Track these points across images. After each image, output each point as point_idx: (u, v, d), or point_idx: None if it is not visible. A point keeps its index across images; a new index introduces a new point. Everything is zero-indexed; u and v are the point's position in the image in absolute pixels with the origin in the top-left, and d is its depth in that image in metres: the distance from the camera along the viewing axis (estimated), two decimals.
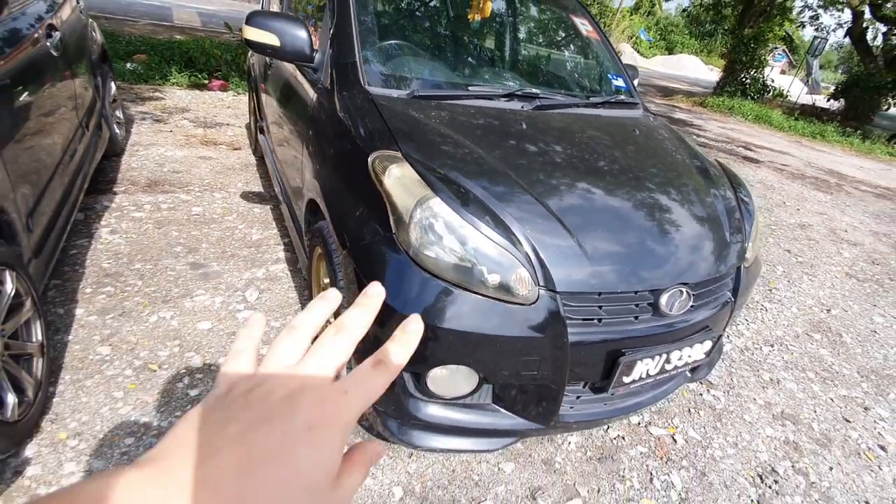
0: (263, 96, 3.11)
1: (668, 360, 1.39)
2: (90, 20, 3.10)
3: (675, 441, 1.81)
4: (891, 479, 1.84)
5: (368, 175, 1.35)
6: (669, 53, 36.71)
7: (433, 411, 1.33)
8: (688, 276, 1.38)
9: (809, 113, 14.06)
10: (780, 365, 2.41)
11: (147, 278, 2.16)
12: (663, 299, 1.33)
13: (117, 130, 3.26)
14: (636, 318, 1.33)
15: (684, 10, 20.65)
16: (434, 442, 1.36)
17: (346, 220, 1.42)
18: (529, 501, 1.48)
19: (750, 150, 8.13)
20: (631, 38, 32.83)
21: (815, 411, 2.12)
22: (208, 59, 6.19)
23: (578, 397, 1.41)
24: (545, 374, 1.27)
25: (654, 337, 1.34)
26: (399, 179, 1.28)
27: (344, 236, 1.40)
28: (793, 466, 1.80)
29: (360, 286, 1.30)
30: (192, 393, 1.63)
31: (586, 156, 1.61)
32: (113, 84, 3.34)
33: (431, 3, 2.38)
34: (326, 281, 1.64)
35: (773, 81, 14.80)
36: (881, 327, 3.00)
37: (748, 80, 13.83)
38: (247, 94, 5.27)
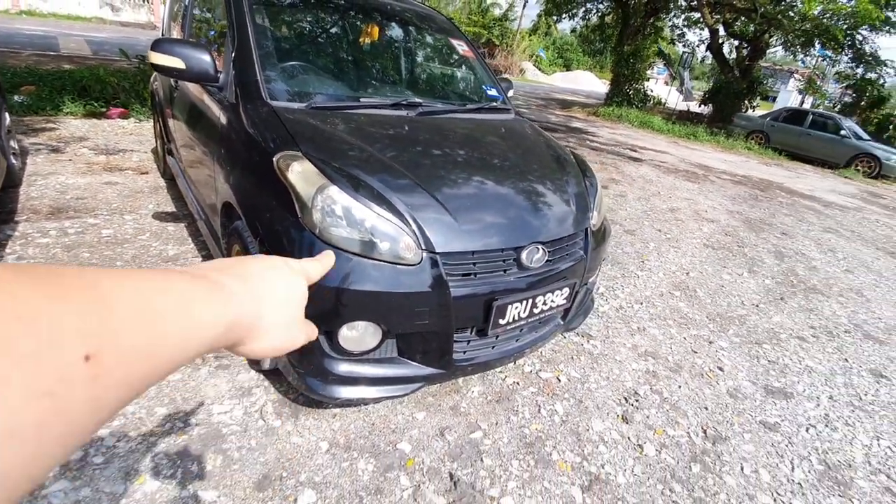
0: (170, 119, 3.20)
1: (534, 304, 1.75)
2: None
3: (559, 381, 2.19)
4: (725, 391, 2.34)
5: (274, 173, 1.60)
6: (567, 70, 39.82)
7: (347, 367, 1.58)
8: (542, 236, 1.76)
9: (685, 117, 16.03)
10: (646, 317, 2.91)
11: None
12: (524, 255, 1.69)
13: (14, 161, 3.18)
14: (504, 271, 1.67)
15: (573, 31, 22.61)
16: (351, 393, 1.60)
17: (259, 214, 1.64)
18: (439, 438, 1.76)
19: (635, 150, 9.20)
20: (532, 56, 35.24)
21: (671, 348, 2.62)
22: (104, 87, 5.99)
23: (468, 342, 1.73)
24: (435, 322, 1.57)
25: (519, 285, 1.69)
26: (301, 174, 1.54)
27: (257, 227, 1.62)
28: (651, 388, 2.25)
29: None
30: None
31: (459, 148, 1.97)
32: (7, 115, 3.26)
33: (326, 28, 2.67)
34: None
35: (652, 91, 16.70)
36: (727, 283, 3.67)
37: (631, 92, 15.51)
38: (150, 119, 5.21)
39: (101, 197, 3.34)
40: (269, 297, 0.38)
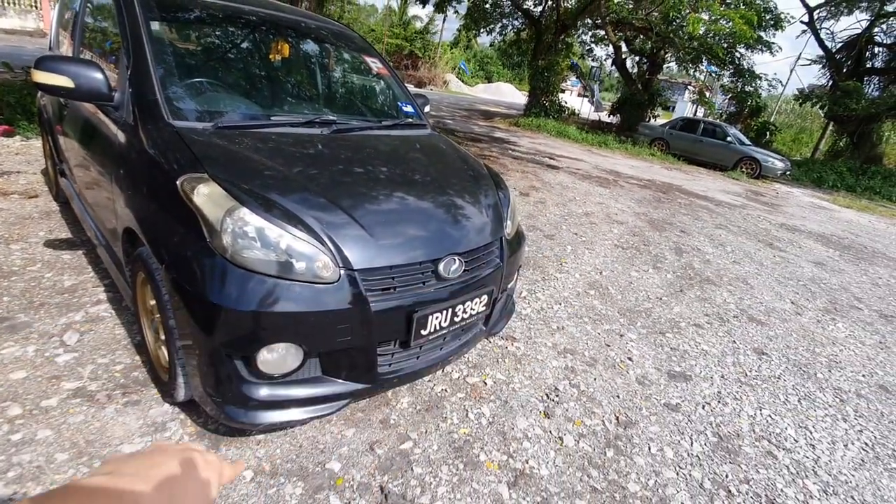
0: (61, 138, 2.95)
1: (455, 313, 1.83)
2: None
3: (486, 384, 2.28)
4: (634, 378, 2.55)
5: (179, 197, 1.54)
6: (489, 82, 41.24)
7: (268, 391, 1.55)
8: (458, 247, 1.84)
9: (597, 127, 17.21)
10: (565, 316, 3.10)
11: None
12: (441, 266, 1.76)
13: None
14: (423, 283, 1.73)
15: (492, 45, 23.52)
16: (274, 417, 1.58)
17: (164, 240, 1.57)
18: (369, 453, 1.77)
19: (553, 158, 9.73)
20: (454, 69, 36.11)
21: (587, 343, 2.81)
22: None
23: (393, 354, 1.76)
24: (357, 338, 1.59)
25: (439, 296, 1.76)
26: (208, 196, 1.50)
27: (162, 254, 1.55)
28: (570, 383, 2.40)
29: (183, 295, 1.48)
30: (15, 437, 1.58)
31: (374, 165, 2.01)
32: None
33: (234, 44, 2.60)
34: (153, 303, 1.75)
35: (566, 103, 17.77)
36: (635, 279, 4.00)
37: (548, 103, 16.40)
38: (40, 137, 4.74)
39: None
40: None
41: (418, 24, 33.16)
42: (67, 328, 2.16)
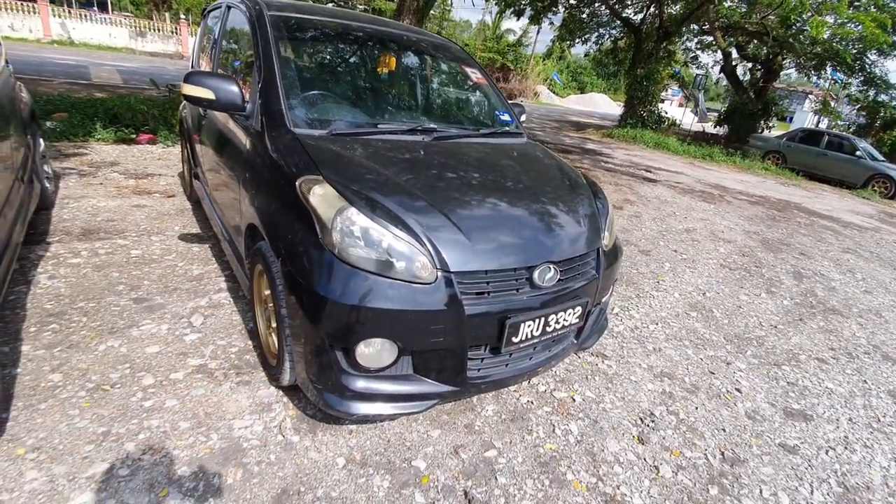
0: (197, 145, 3.36)
1: (547, 323, 1.78)
2: (18, 82, 3.24)
3: (574, 400, 2.19)
4: (743, 412, 2.31)
5: (297, 196, 1.68)
6: (582, 92, 40.22)
7: (363, 383, 1.62)
8: (554, 255, 1.80)
9: (700, 138, 16.01)
10: (662, 337, 2.90)
11: (91, 315, 2.29)
12: (536, 274, 1.73)
13: (47, 184, 3.35)
14: (517, 290, 1.71)
15: (586, 55, 22.94)
16: (367, 409, 1.64)
17: (282, 235, 1.72)
18: (453, 456, 1.78)
19: (650, 171, 9.21)
20: (546, 80, 35.73)
21: (687, 369, 2.60)
22: (134, 114, 6.28)
23: (482, 360, 1.76)
24: (450, 340, 1.61)
25: (532, 304, 1.73)
26: (322, 196, 1.62)
27: (280, 248, 1.70)
28: (667, 409, 2.23)
29: (296, 288, 1.60)
30: (147, 404, 1.80)
31: (473, 172, 2.03)
32: (41, 140, 3.45)
33: (346, 59, 2.80)
34: (267, 293, 1.91)
35: (666, 113, 16.77)
36: (745, 303, 3.63)
37: (645, 114, 15.59)
38: (178, 145, 5.43)
39: (130, 219, 3.48)
40: None
41: (511, 38, 33.31)
42: (194, 311, 2.43)
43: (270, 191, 1.87)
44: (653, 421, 2.14)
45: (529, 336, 1.75)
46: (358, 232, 1.54)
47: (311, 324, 1.56)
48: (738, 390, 2.48)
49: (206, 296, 2.60)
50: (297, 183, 1.69)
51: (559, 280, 1.81)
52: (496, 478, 1.71)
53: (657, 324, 3.07)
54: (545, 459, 1.83)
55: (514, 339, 1.71)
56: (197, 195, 3.52)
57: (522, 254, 1.73)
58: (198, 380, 1.97)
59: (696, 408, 2.28)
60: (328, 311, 1.51)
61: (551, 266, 1.77)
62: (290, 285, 1.62)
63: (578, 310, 1.89)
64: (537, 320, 1.74)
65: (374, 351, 1.59)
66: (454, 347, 1.63)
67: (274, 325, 1.84)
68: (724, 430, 2.16)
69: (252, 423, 1.78)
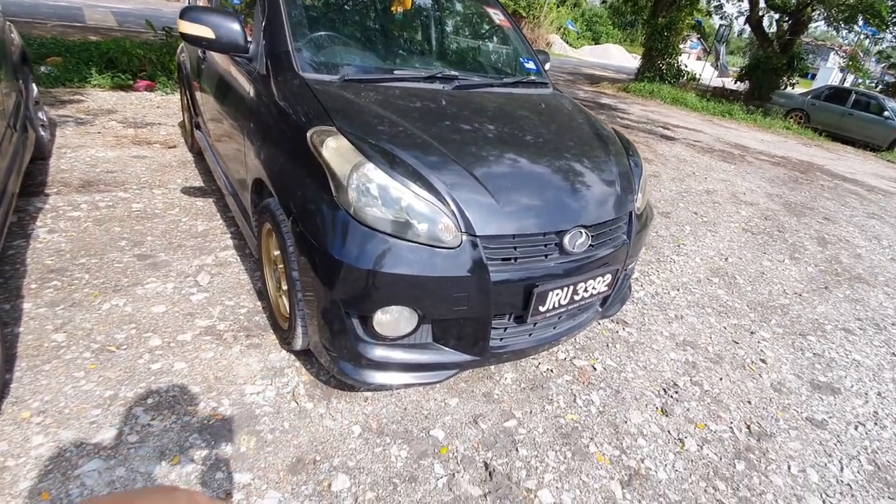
0: (197, 93, 3.16)
1: (575, 291, 1.67)
2: (7, 22, 3.01)
3: (594, 369, 2.11)
4: (769, 384, 2.24)
5: (308, 149, 1.53)
6: (596, 43, 38.45)
7: (381, 352, 1.53)
8: (585, 219, 1.66)
9: (720, 94, 15.35)
10: (684, 304, 2.80)
11: (94, 271, 2.20)
12: (566, 239, 1.60)
13: (42, 133, 3.19)
14: (545, 256, 1.59)
15: (604, 2, 21.73)
16: (384, 378, 1.56)
17: (292, 192, 1.58)
18: (472, 426, 1.72)
19: (667, 129, 8.85)
20: (559, 29, 34.07)
21: (710, 338, 2.51)
22: (131, 59, 5.97)
23: (505, 329, 1.66)
24: (473, 308, 1.50)
25: (561, 271, 1.61)
26: (336, 150, 1.47)
27: (290, 206, 1.56)
28: (690, 380, 2.16)
29: (308, 250, 1.48)
30: (154, 367, 1.73)
31: (498, 125, 1.86)
32: (34, 86, 3.25)
33: None
34: (276, 253, 1.80)
35: (686, 66, 15.99)
36: (768, 269, 3.51)
37: (664, 66, 14.88)
38: (177, 92, 5.19)
39: (130, 171, 3.34)
40: None
41: None
42: (200, 270, 2.33)
43: (278, 142, 1.71)
44: (676, 392, 2.06)
45: (557, 305, 1.64)
46: (375, 190, 1.40)
47: (325, 288, 1.45)
48: (762, 361, 2.40)
49: (211, 253, 2.50)
50: (308, 134, 1.54)
51: (590, 246, 1.68)
52: (517, 449, 1.65)
53: (678, 290, 2.96)
54: (567, 430, 1.77)
55: (541, 309, 1.60)
56: (199, 146, 3.35)
57: (552, 216, 1.59)
58: (206, 342, 1.89)
59: (721, 379, 2.21)
60: (343, 276, 1.39)
61: (582, 231, 1.64)
62: (302, 247, 1.50)
63: (608, 277, 1.77)
64: (566, 289, 1.62)
65: (393, 319, 1.49)
66: (477, 316, 1.53)
67: (285, 287, 1.74)
68: (749, 402, 2.09)
69: (264, 388, 1.71)
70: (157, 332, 1.90)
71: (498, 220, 1.49)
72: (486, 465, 1.57)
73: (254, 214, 2.00)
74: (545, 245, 1.58)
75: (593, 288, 1.73)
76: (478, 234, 1.45)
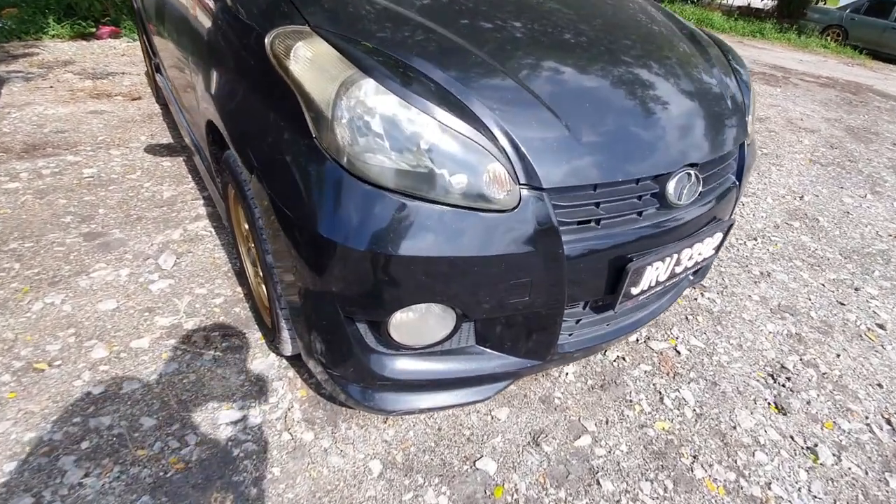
0: (150, 26, 2.55)
1: (678, 262, 1.15)
2: None
3: (678, 353, 1.63)
4: None
5: (269, 66, 0.97)
6: None
7: (403, 366, 1.05)
8: (694, 155, 1.11)
9: (747, 13, 13.98)
10: (766, 258, 2.27)
11: (27, 259, 1.72)
12: (670, 186, 1.06)
13: None
14: (640, 213, 1.06)
15: None
16: (410, 403, 1.09)
17: (251, 136, 1.04)
18: (533, 449, 1.26)
19: None
20: None
21: (809, 299, 2.00)
22: (92, 3, 5.25)
23: (578, 321, 1.16)
24: (538, 298, 0.99)
25: (662, 235, 1.08)
26: (311, 61, 0.91)
27: (251, 157, 1.03)
28: (801, 360, 1.67)
29: (282, 222, 0.96)
30: (96, 391, 1.27)
31: (561, 22, 1.27)
32: None
33: None
34: (248, 227, 1.28)
35: None
36: (852, 208, 2.93)
37: None
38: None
39: (84, 129, 2.79)
40: None
41: None
42: (164, 248, 1.84)
43: (229, 64, 1.16)
44: (788, 378, 1.58)
45: (654, 283, 1.13)
46: (379, 124, 0.86)
47: (312, 281, 0.94)
48: (880, 327, 1.89)
49: (179, 226, 1.99)
50: (266, 41, 0.98)
51: (699, 194, 1.14)
52: (598, 482, 1.20)
53: (756, 239, 2.42)
54: (659, 447, 1.30)
55: (633, 291, 1.09)
56: (164, 95, 2.77)
57: (649, 154, 1.05)
58: (169, 348, 1.42)
59: (837, 355, 1.71)
60: (336, 263, 0.88)
61: (691, 172, 1.10)
62: (273, 219, 0.98)
63: (718, 237, 1.24)
64: (667, 259, 1.11)
65: (417, 321, 0.99)
66: (545, 309, 1.03)
67: (262, 273, 1.24)
68: (880, 385, 1.61)
69: (245, 414, 1.25)
70: (102, 339, 1.43)
71: (572, 162, 0.95)
72: None
73: (217, 174, 1.48)
74: (639, 198, 1.05)
75: (699, 254, 1.21)
76: (545, 185, 0.92)
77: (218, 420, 1.22)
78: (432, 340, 1.03)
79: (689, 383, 1.51)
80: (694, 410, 1.42)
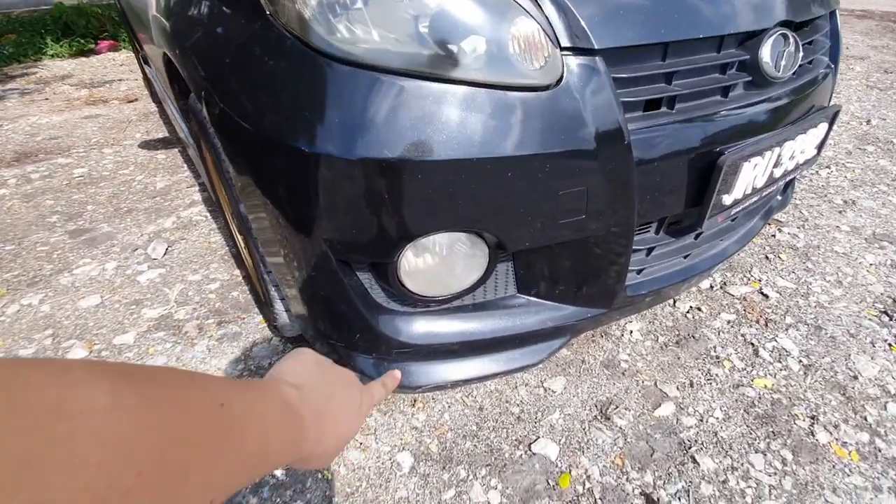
0: (128, 16, 2.38)
1: (778, 160, 0.86)
2: None
3: (765, 297, 1.33)
4: None
5: None
6: None
7: (425, 327, 0.80)
8: (787, 11, 0.82)
9: None
10: (846, 185, 1.93)
11: (6, 262, 1.55)
12: (764, 52, 0.78)
13: None
14: (726, 92, 0.78)
15: None
16: (439, 375, 0.84)
17: (197, 45, 0.81)
18: (603, 425, 0.99)
19: None
20: None
21: None
22: (89, 20, 5.21)
23: (650, 251, 0.89)
24: (599, 216, 0.73)
25: (757, 122, 0.80)
26: None
27: (197, 69, 0.80)
28: None
29: (240, 143, 0.72)
30: None
31: None
32: None
33: None
34: (218, 177, 1.06)
35: None
36: None
37: None
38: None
39: (78, 133, 2.64)
40: (330, 427, 0.36)
41: None
42: (155, 237, 1.64)
43: None
44: None
45: (750, 191, 0.85)
46: None
47: (288, 218, 0.70)
48: None
49: (172, 214, 1.80)
50: None
51: (799, 65, 0.85)
52: (694, 459, 0.92)
53: (829, 168, 2.07)
54: (765, 409, 1.02)
55: (726, 200, 0.81)
56: (156, 89, 2.60)
57: (731, 8, 0.76)
58: (156, 341, 1.22)
59: None
60: (315, 183, 0.64)
61: (788, 34, 0.81)
62: (231, 146, 0.75)
63: (822, 127, 0.95)
64: (767, 154, 0.82)
65: (438, 261, 0.74)
66: (606, 233, 0.76)
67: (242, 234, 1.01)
68: None
69: None
70: (83, 338, 1.24)
71: (634, 15, 0.68)
72: (651, 502, 0.86)
73: (191, 133, 1.26)
74: (723, 69, 0.77)
75: (801, 151, 0.92)
76: (597, 45, 0.65)
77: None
78: (459, 288, 0.78)
79: (786, 330, 1.21)
80: (800, 362, 1.13)
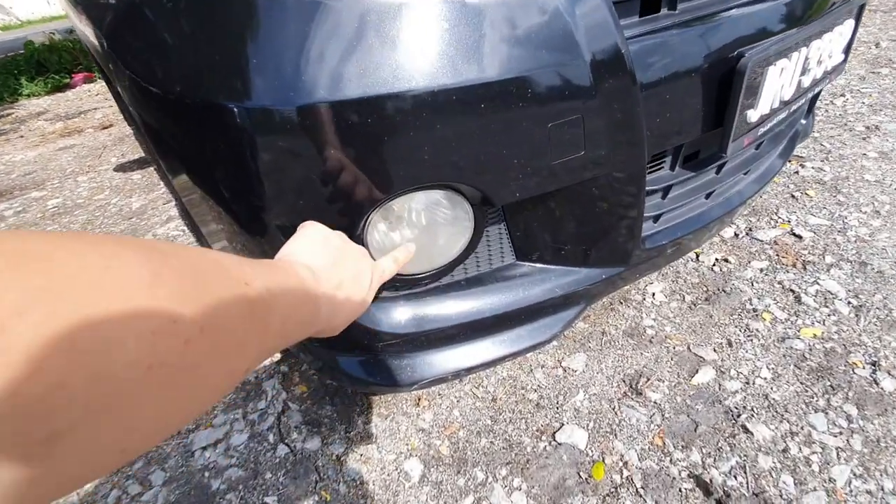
0: (85, 44, 2.28)
1: (806, 65, 0.73)
2: None
3: (798, 238, 1.19)
4: None
5: None
6: None
7: (411, 312, 0.68)
8: None
9: None
10: (865, 111, 1.77)
11: None
12: None
13: None
14: None
15: None
16: (438, 366, 0.71)
17: (96, 20, 0.69)
18: (635, 401, 0.87)
19: None
20: None
21: None
22: (61, 56, 5.15)
23: (667, 192, 0.76)
24: (601, 151, 0.60)
25: (775, 16, 0.66)
26: None
27: (101, 39, 0.68)
28: None
29: (147, 100, 0.60)
30: None
31: None
32: None
33: None
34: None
35: None
36: None
37: None
38: None
39: (53, 166, 2.55)
40: (342, 305, 0.39)
41: None
42: None
43: None
44: None
45: (778, 103, 0.71)
46: None
47: (218, 190, 0.58)
48: None
49: (148, 232, 1.70)
50: None
51: None
52: (745, 428, 0.79)
53: (844, 95, 1.92)
54: (818, 361, 0.88)
55: (751, 114, 0.67)
56: None
57: None
58: None
59: None
60: (238, 141, 0.51)
61: None
62: (149, 124, 0.63)
63: (848, 24, 0.81)
64: (794, 55, 0.68)
65: (415, 230, 0.61)
66: (613, 172, 0.63)
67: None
68: None
69: (226, 431, 0.91)
70: None
71: None
72: (703, 484, 0.73)
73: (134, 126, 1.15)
74: None
75: (829, 54, 0.78)
76: None
77: (191, 445, 0.89)
78: (446, 260, 0.65)
79: (828, 271, 1.08)
80: (849, 303, 0.99)
